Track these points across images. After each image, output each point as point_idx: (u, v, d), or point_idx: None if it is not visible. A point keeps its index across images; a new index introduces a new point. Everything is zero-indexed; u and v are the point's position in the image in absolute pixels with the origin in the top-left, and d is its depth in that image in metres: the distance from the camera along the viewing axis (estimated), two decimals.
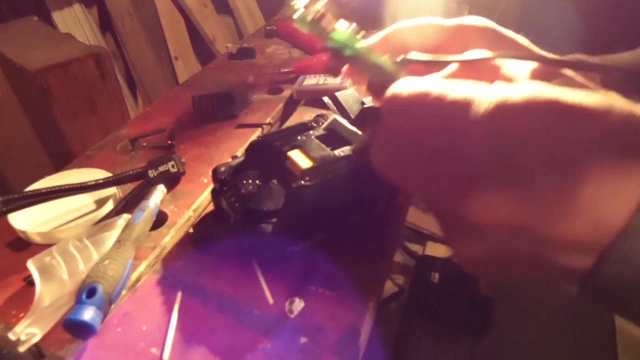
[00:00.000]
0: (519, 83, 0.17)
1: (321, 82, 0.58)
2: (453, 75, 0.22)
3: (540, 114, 0.16)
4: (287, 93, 0.61)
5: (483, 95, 0.17)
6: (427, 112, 0.19)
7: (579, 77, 0.28)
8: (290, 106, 0.60)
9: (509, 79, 0.20)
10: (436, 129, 0.19)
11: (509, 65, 0.24)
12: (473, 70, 0.22)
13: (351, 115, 0.38)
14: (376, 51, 0.31)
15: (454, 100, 0.18)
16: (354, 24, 0.30)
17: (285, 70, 0.65)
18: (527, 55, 0.24)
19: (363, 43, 0.28)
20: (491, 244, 0.18)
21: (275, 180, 0.35)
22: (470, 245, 0.18)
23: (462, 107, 0.17)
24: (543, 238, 0.16)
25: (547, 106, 0.16)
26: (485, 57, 0.24)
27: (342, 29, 0.29)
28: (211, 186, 0.42)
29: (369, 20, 0.88)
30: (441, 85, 0.19)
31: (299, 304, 0.31)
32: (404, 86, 0.20)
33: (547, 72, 0.26)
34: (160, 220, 0.38)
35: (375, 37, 0.32)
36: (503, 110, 0.16)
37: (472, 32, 0.30)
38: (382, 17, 0.84)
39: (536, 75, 0.26)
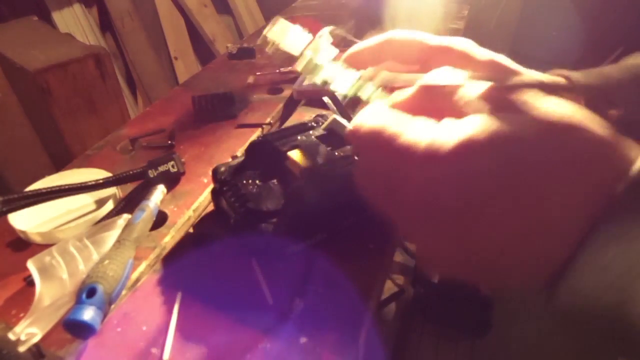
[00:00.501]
0: (471, 119, 0.18)
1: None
2: (417, 95, 0.23)
3: (503, 152, 0.17)
4: (287, 93, 0.61)
5: (442, 137, 0.18)
6: (380, 151, 0.20)
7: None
8: (290, 106, 0.60)
9: (464, 103, 0.21)
10: (389, 165, 0.20)
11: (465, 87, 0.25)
12: (434, 93, 0.22)
13: (351, 115, 0.38)
14: (364, 58, 0.33)
15: (405, 143, 0.19)
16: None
17: (285, 70, 0.65)
18: (492, 76, 0.25)
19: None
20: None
21: (275, 180, 0.35)
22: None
23: (411, 149, 0.18)
24: (499, 267, 0.17)
25: (509, 143, 0.17)
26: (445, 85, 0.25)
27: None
28: (211, 186, 0.42)
29: (369, 21, 0.88)
30: (397, 124, 0.20)
31: (299, 304, 0.31)
32: (364, 119, 0.21)
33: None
34: (160, 220, 0.38)
35: (365, 44, 0.33)
36: (468, 151, 0.17)
37: (452, 54, 0.31)
38: (381, 18, 0.84)
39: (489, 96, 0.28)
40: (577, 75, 0.33)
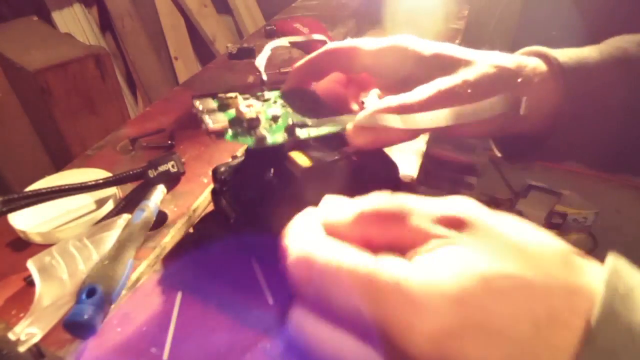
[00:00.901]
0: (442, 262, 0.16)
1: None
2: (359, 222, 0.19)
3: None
4: None
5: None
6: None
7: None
8: None
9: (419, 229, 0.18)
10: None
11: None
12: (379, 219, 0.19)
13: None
14: (306, 73, 0.34)
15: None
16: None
17: (285, 70, 0.65)
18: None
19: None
20: None
21: (275, 181, 0.35)
22: None
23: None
24: None
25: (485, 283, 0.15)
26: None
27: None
28: (211, 186, 0.42)
29: (369, 21, 0.88)
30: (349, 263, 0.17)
31: None
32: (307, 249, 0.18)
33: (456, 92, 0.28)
34: (160, 220, 0.38)
35: (305, 59, 0.33)
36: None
37: (393, 53, 0.31)
38: (381, 18, 0.84)
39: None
40: (555, 53, 0.31)
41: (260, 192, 0.34)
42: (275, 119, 0.30)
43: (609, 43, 0.33)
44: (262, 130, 0.29)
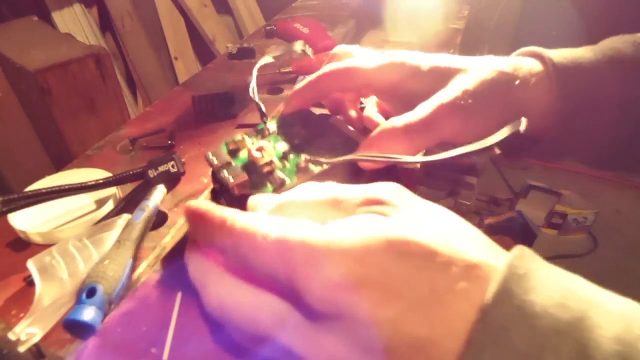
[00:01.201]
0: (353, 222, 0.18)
1: None
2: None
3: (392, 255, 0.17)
4: (287, 93, 0.61)
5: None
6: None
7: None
8: None
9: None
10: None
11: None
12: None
13: None
14: (306, 96, 0.34)
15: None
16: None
17: (285, 70, 0.65)
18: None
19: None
20: None
21: None
22: None
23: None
24: None
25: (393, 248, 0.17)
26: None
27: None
28: (211, 186, 0.42)
29: (369, 21, 0.88)
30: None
31: None
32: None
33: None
34: (160, 220, 0.38)
35: (304, 82, 0.34)
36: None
37: (390, 70, 0.31)
38: (381, 18, 0.84)
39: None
40: (550, 54, 0.32)
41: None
42: (285, 156, 0.30)
43: (604, 44, 0.34)
44: (278, 172, 0.29)
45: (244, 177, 0.29)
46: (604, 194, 1.68)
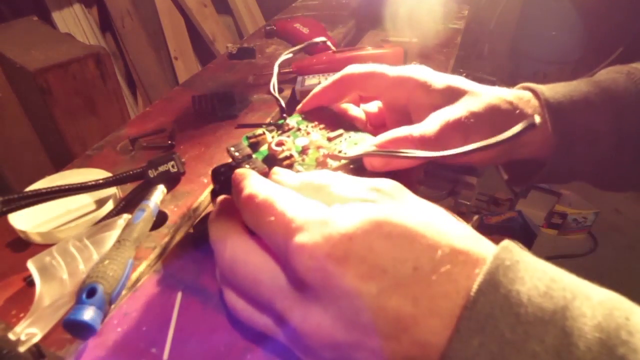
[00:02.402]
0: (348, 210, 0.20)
1: (323, 81, 0.58)
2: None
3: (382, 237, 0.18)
4: (287, 93, 0.61)
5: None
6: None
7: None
8: (291, 106, 0.60)
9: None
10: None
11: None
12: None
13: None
14: (327, 96, 0.35)
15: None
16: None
17: (285, 70, 0.65)
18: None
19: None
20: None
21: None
22: None
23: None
24: (376, 354, 0.18)
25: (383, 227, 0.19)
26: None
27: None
28: (211, 186, 0.42)
29: (369, 21, 0.88)
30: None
31: None
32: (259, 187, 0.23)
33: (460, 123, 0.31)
34: (160, 220, 0.38)
35: (329, 81, 0.35)
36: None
37: (410, 84, 0.33)
38: (381, 18, 0.84)
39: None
40: (542, 88, 0.33)
41: None
42: (305, 150, 0.31)
43: (600, 73, 0.36)
44: (297, 166, 0.30)
45: (264, 169, 0.29)
46: (604, 194, 1.68)
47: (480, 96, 0.32)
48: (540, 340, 0.15)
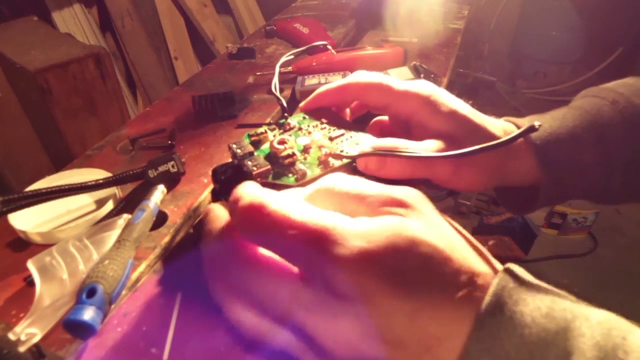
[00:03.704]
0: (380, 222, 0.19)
1: (323, 81, 0.58)
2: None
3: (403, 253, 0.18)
4: (287, 93, 0.61)
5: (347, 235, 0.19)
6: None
7: None
8: (291, 106, 0.60)
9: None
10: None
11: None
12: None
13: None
14: (330, 99, 0.35)
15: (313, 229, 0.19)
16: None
17: (285, 70, 0.65)
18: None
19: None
20: None
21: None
22: None
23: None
24: None
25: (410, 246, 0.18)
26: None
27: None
28: (211, 186, 0.42)
29: (369, 21, 0.88)
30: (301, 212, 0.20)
31: None
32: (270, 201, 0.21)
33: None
34: (160, 220, 0.38)
35: (334, 85, 0.35)
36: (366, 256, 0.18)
37: (415, 99, 0.33)
38: (381, 18, 0.84)
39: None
40: (525, 122, 0.34)
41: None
42: (307, 149, 0.31)
43: (585, 98, 0.37)
44: (299, 165, 0.30)
45: (266, 166, 0.29)
46: None
47: (478, 132, 0.32)
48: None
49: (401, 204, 0.21)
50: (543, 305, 0.17)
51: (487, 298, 0.17)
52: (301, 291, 0.20)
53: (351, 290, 0.18)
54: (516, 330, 0.16)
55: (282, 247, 0.21)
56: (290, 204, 0.21)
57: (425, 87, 0.33)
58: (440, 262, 0.18)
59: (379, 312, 0.18)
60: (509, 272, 0.18)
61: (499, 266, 0.20)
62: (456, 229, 0.22)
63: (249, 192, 0.22)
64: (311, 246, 0.19)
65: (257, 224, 0.21)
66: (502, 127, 0.34)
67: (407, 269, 0.18)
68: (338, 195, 0.22)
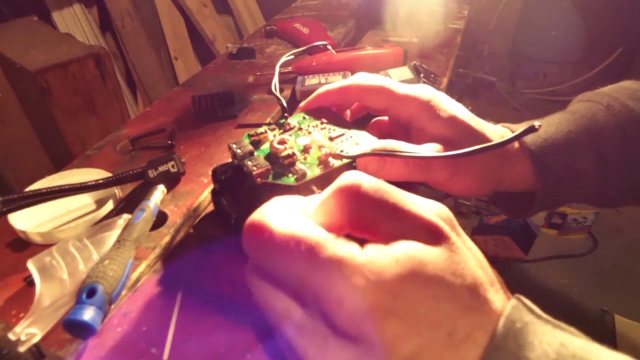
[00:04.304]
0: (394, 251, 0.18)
1: (323, 81, 0.58)
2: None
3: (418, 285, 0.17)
4: (287, 93, 0.61)
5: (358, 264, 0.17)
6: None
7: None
8: (291, 106, 0.60)
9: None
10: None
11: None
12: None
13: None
14: (330, 99, 0.35)
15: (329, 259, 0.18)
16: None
17: (285, 70, 0.65)
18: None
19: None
20: None
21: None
22: None
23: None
24: None
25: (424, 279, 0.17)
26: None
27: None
28: (211, 186, 0.42)
29: (369, 21, 0.88)
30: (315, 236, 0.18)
31: None
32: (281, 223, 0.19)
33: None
34: (160, 220, 0.38)
35: (335, 85, 0.35)
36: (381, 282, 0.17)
37: (415, 104, 0.33)
38: (381, 18, 0.84)
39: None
40: (522, 128, 0.34)
41: (260, 192, 0.34)
42: (307, 149, 0.31)
43: (581, 103, 0.37)
44: (299, 165, 0.30)
45: (266, 166, 0.29)
46: None
47: (477, 138, 0.32)
48: None
49: (430, 228, 0.19)
50: (551, 349, 0.16)
51: (492, 341, 0.17)
52: (300, 317, 0.19)
53: (349, 329, 0.17)
54: None
55: (282, 270, 0.19)
56: (297, 226, 0.19)
57: (425, 92, 0.33)
58: (451, 303, 0.17)
59: (374, 353, 0.17)
60: (516, 309, 0.18)
61: (505, 300, 0.19)
62: (477, 256, 0.20)
63: (257, 214, 0.20)
64: (311, 275, 0.18)
65: (258, 247, 0.20)
66: (499, 133, 0.34)
67: (412, 309, 0.17)
68: (364, 201, 0.19)
